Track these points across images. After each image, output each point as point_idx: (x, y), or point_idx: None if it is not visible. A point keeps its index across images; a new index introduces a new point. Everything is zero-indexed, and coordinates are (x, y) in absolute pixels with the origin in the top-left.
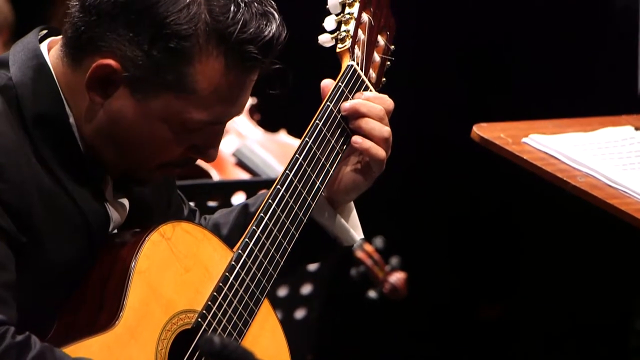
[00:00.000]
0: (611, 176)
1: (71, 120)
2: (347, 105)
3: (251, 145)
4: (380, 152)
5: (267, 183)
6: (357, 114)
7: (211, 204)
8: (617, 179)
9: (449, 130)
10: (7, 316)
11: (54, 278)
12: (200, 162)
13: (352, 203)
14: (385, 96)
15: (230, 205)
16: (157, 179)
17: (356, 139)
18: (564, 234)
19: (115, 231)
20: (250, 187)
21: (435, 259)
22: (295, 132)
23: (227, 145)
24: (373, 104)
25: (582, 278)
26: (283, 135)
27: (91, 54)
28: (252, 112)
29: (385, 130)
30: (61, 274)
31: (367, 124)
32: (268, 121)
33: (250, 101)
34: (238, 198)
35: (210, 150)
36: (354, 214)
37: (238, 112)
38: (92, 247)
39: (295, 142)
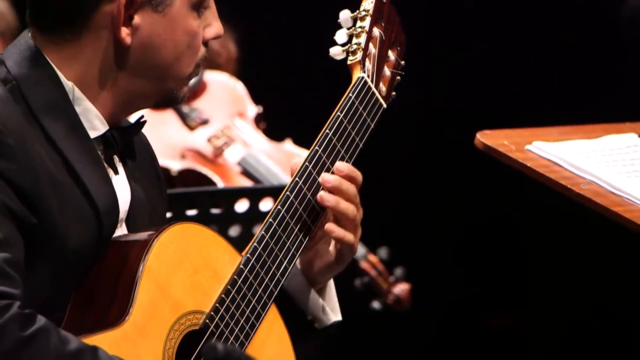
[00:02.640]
0: (615, 183)
1: (76, 99)
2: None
3: (256, 154)
4: (350, 238)
5: (271, 190)
6: (334, 191)
7: (215, 211)
8: (621, 186)
9: (452, 137)
10: (13, 290)
11: (66, 263)
12: (204, 171)
13: (332, 284)
14: (355, 170)
15: (234, 212)
16: (187, 90)
17: (331, 228)
18: (569, 242)
19: (124, 218)
20: (253, 194)
21: (440, 269)
22: (300, 142)
23: (233, 154)
24: (348, 185)
25: (588, 285)
26: (288, 145)
27: (95, 9)
28: (258, 121)
29: (357, 214)
30: (73, 259)
31: (340, 205)
32: (273, 130)
33: (256, 109)
34: (242, 205)
35: (217, 23)
36: (333, 295)
37: None
38: (103, 232)
39: (301, 152)
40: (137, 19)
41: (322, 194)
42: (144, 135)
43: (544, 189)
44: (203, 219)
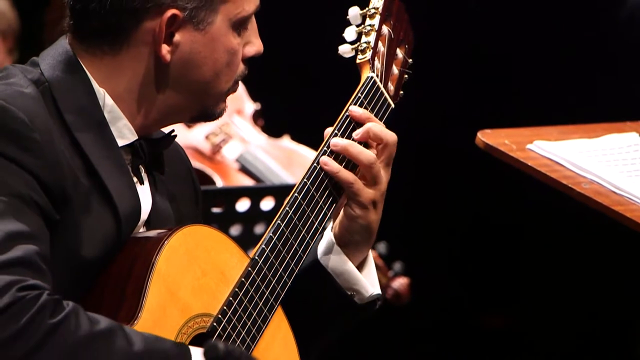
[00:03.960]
0: (616, 183)
1: (107, 107)
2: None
3: (254, 151)
4: (347, 175)
5: (272, 190)
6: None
7: (215, 210)
8: (622, 186)
9: (453, 136)
10: (43, 283)
11: (80, 264)
12: (202, 168)
13: (371, 257)
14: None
15: (235, 212)
16: (225, 105)
17: (325, 160)
18: (569, 241)
19: (144, 224)
20: (255, 194)
21: (438, 265)
22: (298, 138)
23: (231, 151)
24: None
25: (587, 285)
26: (287, 141)
27: (137, 26)
28: (256, 117)
29: (370, 157)
30: (88, 261)
31: (350, 149)
32: (272, 127)
33: (254, 107)
34: (242, 204)
35: (257, 41)
36: (372, 270)
37: None
38: (121, 238)
39: (299, 148)
40: (177, 37)
41: (334, 140)
42: (180, 147)
43: (544, 188)
44: (204, 218)
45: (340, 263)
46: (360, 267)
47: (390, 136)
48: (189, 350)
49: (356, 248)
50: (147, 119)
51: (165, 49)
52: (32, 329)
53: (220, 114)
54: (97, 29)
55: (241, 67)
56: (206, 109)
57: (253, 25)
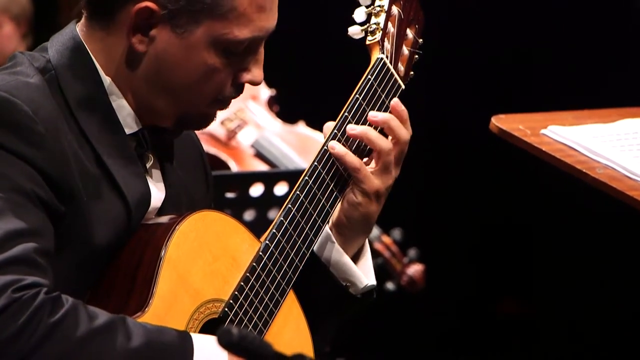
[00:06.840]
0: (630, 168)
1: (112, 95)
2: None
3: (270, 137)
4: (353, 160)
5: (286, 175)
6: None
7: (229, 195)
8: (636, 171)
9: (468, 122)
10: (42, 279)
11: (91, 254)
12: (218, 153)
13: (367, 247)
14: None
15: (248, 197)
16: (213, 116)
17: (332, 144)
18: (583, 228)
19: (157, 212)
20: (268, 179)
21: (453, 251)
22: (313, 124)
23: (246, 137)
24: (398, 125)
25: (602, 272)
26: (302, 127)
27: (123, 6)
28: (271, 103)
29: (384, 143)
30: (99, 250)
31: (368, 134)
32: (287, 113)
33: (269, 92)
34: (256, 189)
35: (256, 71)
36: (367, 260)
37: (274, 21)
38: (131, 225)
39: (314, 134)
40: (154, 32)
41: (350, 126)
42: (194, 133)
43: (559, 173)
44: (217, 203)
45: (334, 253)
46: (356, 257)
47: (405, 134)
48: (191, 340)
49: (353, 237)
50: (138, 109)
51: (138, 38)
52: (31, 329)
53: (202, 126)
54: (94, 5)
55: (228, 90)
56: (185, 117)
57: (258, 53)
